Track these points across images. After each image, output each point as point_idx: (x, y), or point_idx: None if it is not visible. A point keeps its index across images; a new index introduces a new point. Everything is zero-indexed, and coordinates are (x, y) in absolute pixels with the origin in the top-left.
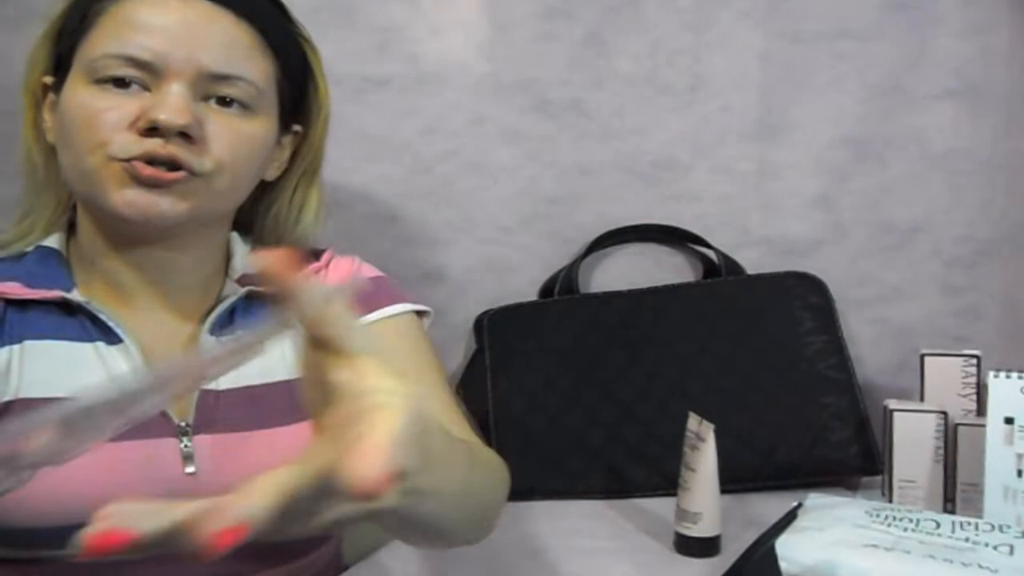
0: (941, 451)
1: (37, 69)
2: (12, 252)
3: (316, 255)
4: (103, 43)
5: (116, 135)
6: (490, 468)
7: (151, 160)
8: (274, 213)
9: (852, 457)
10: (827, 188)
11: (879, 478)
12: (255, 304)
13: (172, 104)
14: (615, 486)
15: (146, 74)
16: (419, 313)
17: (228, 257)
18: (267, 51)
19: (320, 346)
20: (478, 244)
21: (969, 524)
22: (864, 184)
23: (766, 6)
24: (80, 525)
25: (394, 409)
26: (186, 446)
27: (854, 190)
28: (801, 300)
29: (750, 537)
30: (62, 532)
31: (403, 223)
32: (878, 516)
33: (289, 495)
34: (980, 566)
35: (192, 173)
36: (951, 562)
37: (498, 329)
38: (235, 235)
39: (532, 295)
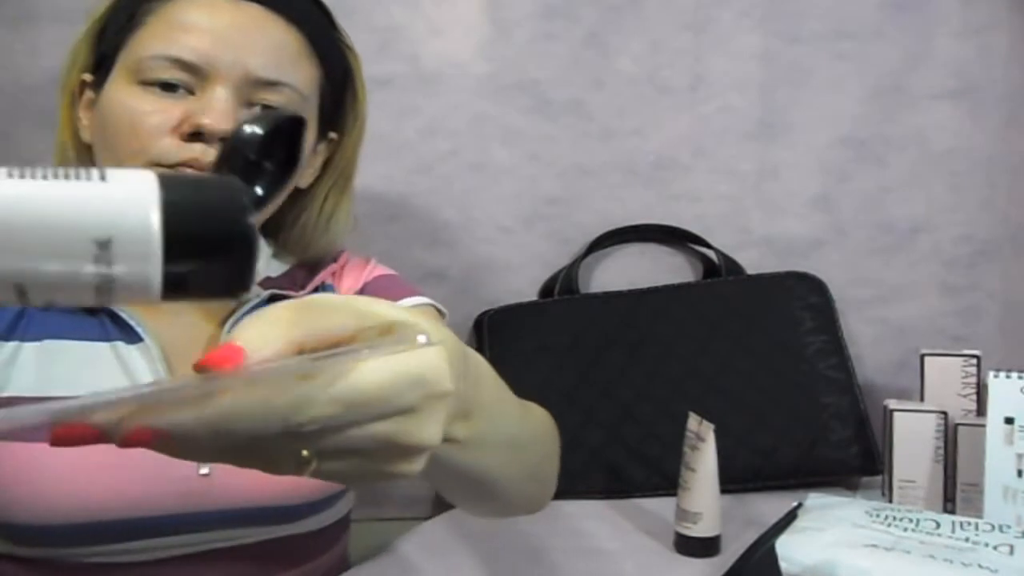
0: (941, 451)
1: (77, 66)
2: None
3: (333, 257)
4: (150, 44)
5: (158, 140)
6: (542, 424)
7: (193, 167)
8: (302, 223)
9: (852, 457)
10: (827, 188)
11: (879, 478)
12: None
13: (217, 109)
14: (615, 486)
15: (192, 76)
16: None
17: None
18: (313, 58)
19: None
20: (478, 244)
21: (969, 524)
22: (864, 184)
23: (766, 6)
24: (93, 523)
25: (431, 326)
26: None
27: (854, 190)
28: (801, 300)
29: (750, 537)
30: (75, 530)
31: (403, 223)
32: (878, 516)
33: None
34: (980, 566)
35: None
36: (951, 562)
37: (498, 329)
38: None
39: (532, 295)
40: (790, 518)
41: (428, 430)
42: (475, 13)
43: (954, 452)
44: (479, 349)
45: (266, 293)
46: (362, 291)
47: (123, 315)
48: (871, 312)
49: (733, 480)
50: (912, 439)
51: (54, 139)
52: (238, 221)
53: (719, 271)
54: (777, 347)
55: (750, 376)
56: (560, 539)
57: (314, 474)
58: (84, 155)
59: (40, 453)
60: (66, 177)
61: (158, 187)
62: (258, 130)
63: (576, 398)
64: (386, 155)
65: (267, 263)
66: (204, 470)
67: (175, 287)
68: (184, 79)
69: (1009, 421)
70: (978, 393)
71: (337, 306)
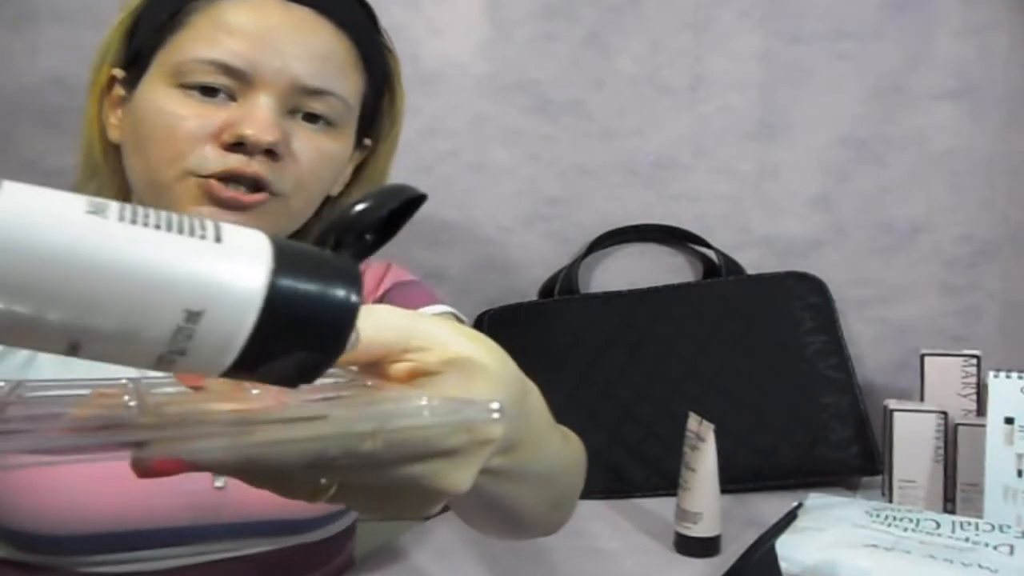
0: (941, 451)
1: (107, 60)
2: None
3: None
4: (193, 46)
5: (196, 147)
6: (576, 455)
7: (232, 178)
8: None
9: (852, 457)
10: (827, 188)
11: (879, 478)
12: None
13: (261, 119)
14: (615, 486)
15: (235, 82)
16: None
17: None
18: (359, 65)
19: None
20: (478, 244)
21: (969, 524)
22: (864, 184)
23: (766, 6)
24: (102, 534)
25: (494, 363)
26: None
27: (854, 190)
28: (801, 300)
29: (750, 537)
30: (83, 540)
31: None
32: (878, 516)
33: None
34: (980, 566)
35: (272, 193)
36: (951, 562)
37: (498, 329)
38: None
39: (532, 295)
40: (790, 518)
41: (461, 476)
42: (475, 13)
43: (954, 452)
44: None
45: None
46: (382, 297)
47: None
48: (871, 312)
49: (733, 480)
50: (912, 439)
51: (54, 139)
52: (343, 323)
53: (719, 271)
54: (777, 347)
55: (750, 376)
56: (560, 539)
57: (327, 501)
58: (111, 154)
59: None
60: (179, 230)
61: (271, 261)
62: (382, 211)
63: (576, 398)
64: None
65: None
66: (219, 483)
67: (241, 367)
68: (226, 84)
69: (1009, 421)
70: (978, 393)
71: (393, 324)
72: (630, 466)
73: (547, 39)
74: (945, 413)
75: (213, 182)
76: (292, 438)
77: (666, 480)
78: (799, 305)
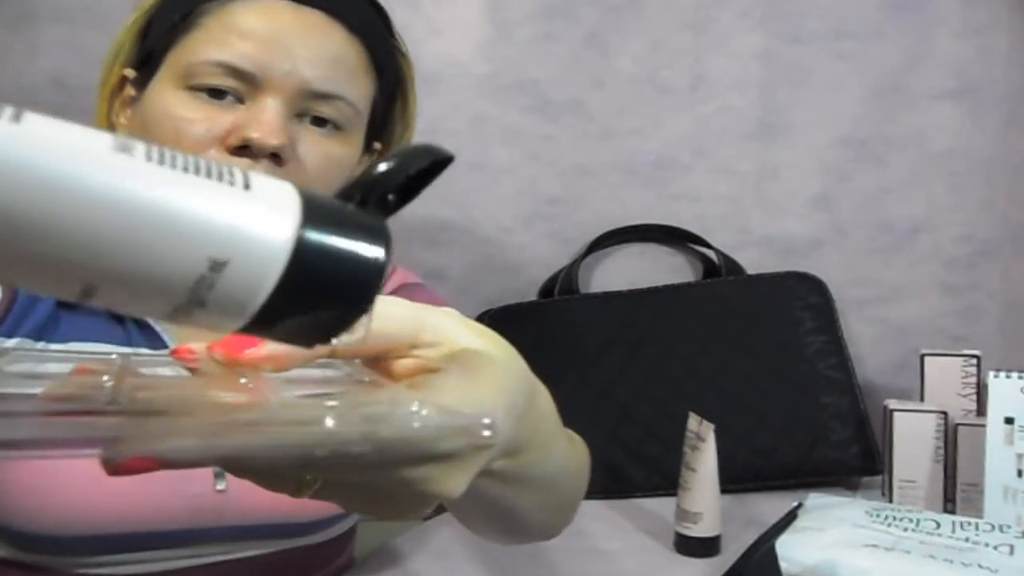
0: (941, 451)
1: (119, 60)
2: None
3: None
4: (203, 48)
5: (202, 150)
6: (581, 459)
7: None
8: None
9: (852, 457)
10: (827, 188)
11: (879, 478)
12: None
13: (267, 122)
14: (615, 486)
15: (243, 84)
16: None
17: None
18: (371, 70)
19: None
20: (478, 244)
21: (969, 524)
22: (864, 184)
23: (766, 6)
24: (102, 536)
25: (502, 361)
26: None
27: (854, 190)
28: (801, 300)
29: (750, 537)
30: (84, 542)
31: (403, 223)
32: (878, 516)
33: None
34: (980, 566)
35: None
36: (951, 562)
37: (498, 329)
38: None
39: (532, 295)
40: (790, 518)
41: (455, 481)
42: (475, 13)
43: (954, 452)
44: None
45: None
46: None
47: (150, 320)
48: (871, 312)
49: (733, 480)
50: (912, 439)
51: None
52: (371, 282)
53: (719, 271)
54: (777, 347)
55: (750, 376)
56: (560, 539)
57: (311, 497)
58: None
59: (52, 464)
60: (208, 174)
61: (299, 212)
62: (410, 170)
63: (576, 398)
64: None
65: None
66: (220, 486)
67: (260, 324)
68: (234, 86)
69: (1009, 421)
70: (978, 393)
71: (401, 315)
72: (630, 466)
73: (547, 39)
74: (945, 413)
75: None
76: (273, 444)
77: (666, 480)
78: (799, 305)
